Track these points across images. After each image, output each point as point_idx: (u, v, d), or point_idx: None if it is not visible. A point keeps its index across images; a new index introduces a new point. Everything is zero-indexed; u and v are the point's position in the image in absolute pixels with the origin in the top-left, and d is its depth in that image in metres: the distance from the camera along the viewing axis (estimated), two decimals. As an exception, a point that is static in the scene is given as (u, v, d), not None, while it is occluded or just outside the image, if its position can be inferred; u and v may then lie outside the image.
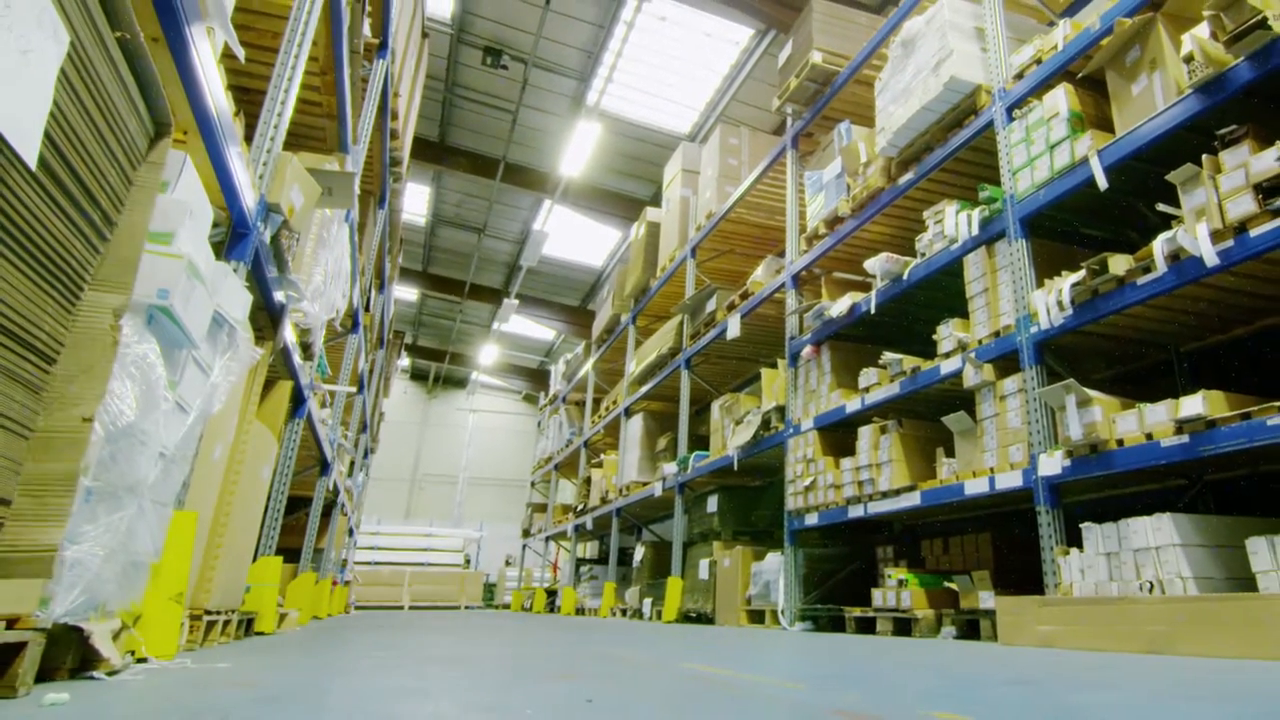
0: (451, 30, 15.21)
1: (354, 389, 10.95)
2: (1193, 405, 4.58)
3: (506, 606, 26.20)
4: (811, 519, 8.56)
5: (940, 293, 7.60)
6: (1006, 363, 6.24)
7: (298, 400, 7.00)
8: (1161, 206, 5.14)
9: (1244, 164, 4.48)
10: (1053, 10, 8.31)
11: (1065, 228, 6.62)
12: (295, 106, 4.92)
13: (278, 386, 6.22)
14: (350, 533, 18.71)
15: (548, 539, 23.32)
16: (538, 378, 35.05)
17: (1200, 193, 4.75)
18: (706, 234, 12.96)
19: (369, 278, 11.00)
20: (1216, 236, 4.58)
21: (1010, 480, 5.93)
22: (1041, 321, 5.77)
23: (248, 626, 5.94)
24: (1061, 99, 5.96)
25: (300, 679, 2.90)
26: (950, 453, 7.01)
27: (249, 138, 4.52)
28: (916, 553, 8.77)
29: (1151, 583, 4.66)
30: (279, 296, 5.19)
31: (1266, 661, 3.65)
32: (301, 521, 10.01)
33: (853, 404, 8.11)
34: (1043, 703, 2.33)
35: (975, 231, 6.70)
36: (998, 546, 7.62)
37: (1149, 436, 4.89)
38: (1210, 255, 4.57)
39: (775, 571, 9.15)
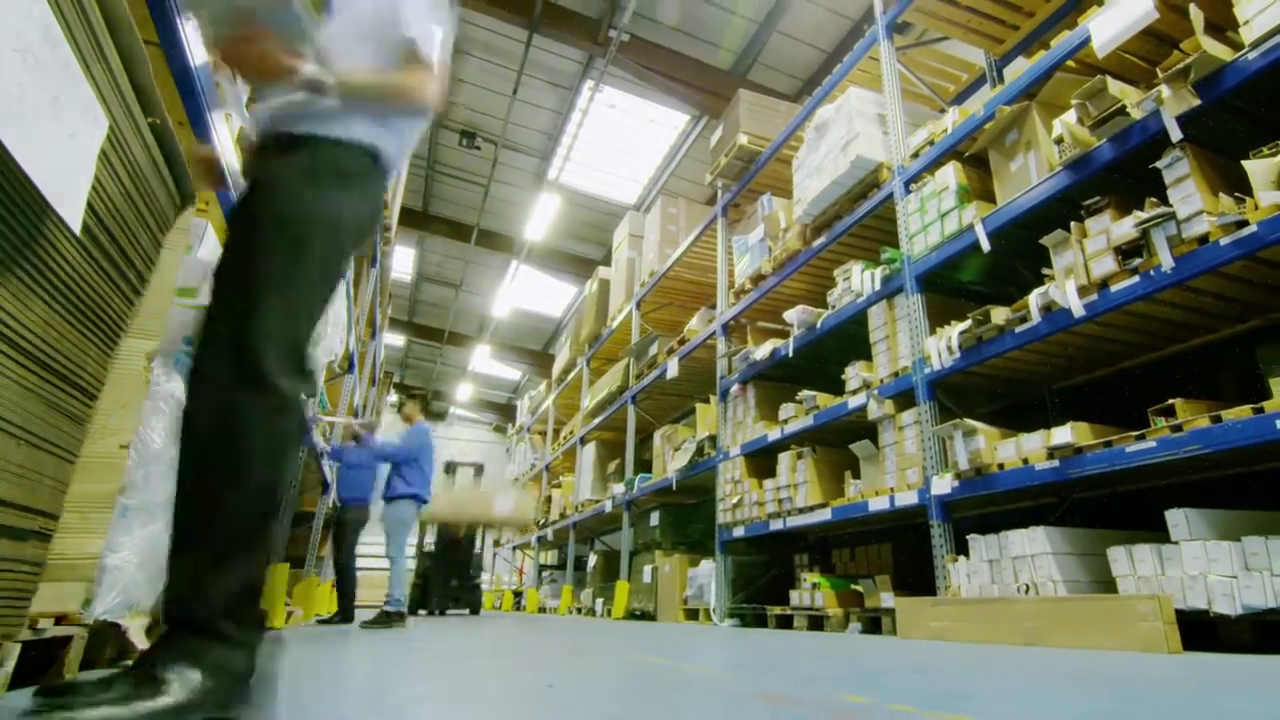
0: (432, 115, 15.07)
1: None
2: (1063, 435, 4.56)
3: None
4: (739, 531, 8.43)
5: (848, 339, 7.55)
6: (904, 399, 6.19)
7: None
8: (1045, 271, 5.12)
9: (1106, 230, 4.47)
10: (943, 99, 8.42)
11: (955, 284, 6.61)
12: (301, 182, 4.83)
13: (285, 418, 6.17)
14: (345, 543, 18.30)
15: (514, 548, 22.99)
16: (506, 411, 34.76)
17: (1069, 254, 4.73)
18: (649, 289, 12.89)
19: (363, 326, 10.85)
20: (1083, 291, 4.57)
21: (908, 499, 5.86)
22: (934, 363, 5.73)
23: (259, 623, 5.92)
24: (951, 175, 5.96)
25: (306, 666, 2.97)
26: (857, 475, 6.94)
27: (262, 206, 4.44)
28: (828, 560, 8.66)
29: (1028, 585, 4.61)
30: (287, 342, 5.13)
31: (1123, 652, 3.66)
32: (306, 533, 9.87)
33: (774, 434, 8.02)
34: (934, 686, 2.32)
35: (878, 287, 6.67)
36: (897, 554, 7.55)
37: (1025, 461, 4.86)
38: (1077, 307, 4.55)
39: (708, 576, 9.04)
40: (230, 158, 3.42)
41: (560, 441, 18.35)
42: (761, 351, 8.49)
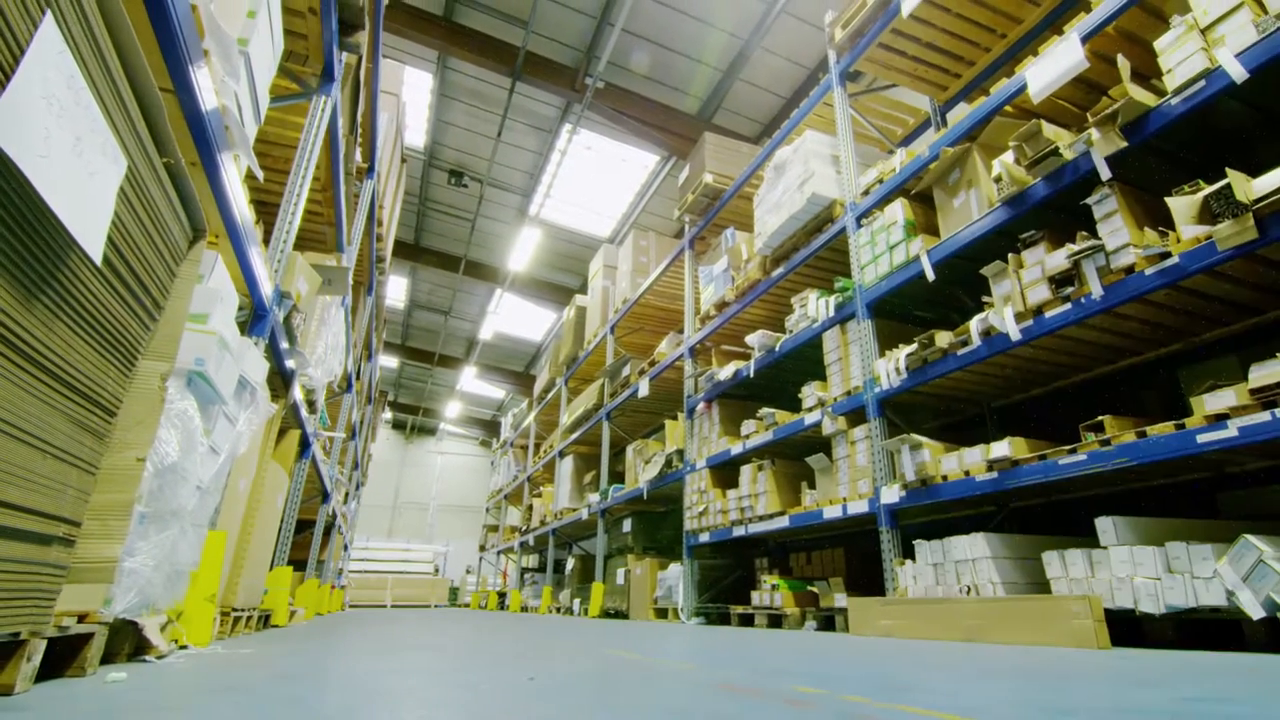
0: (424, 156, 15.10)
1: (348, 436, 10.69)
2: (1001, 449, 4.59)
3: (467, 605, 25.64)
4: (704, 537, 8.39)
5: (805, 361, 7.61)
6: (856, 415, 6.20)
7: (304, 445, 6.96)
8: (985, 299, 5.18)
9: (1040, 261, 4.53)
10: (892, 141, 8.54)
11: (902, 310, 6.67)
12: (302, 216, 4.87)
13: (289, 434, 6.31)
14: (345, 548, 18.37)
15: (499, 553, 22.77)
16: (491, 427, 34.72)
17: (1007, 283, 4.79)
18: (622, 315, 12.89)
19: (360, 349, 10.78)
20: (1019, 317, 4.62)
21: (859, 507, 5.86)
22: (883, 383, 5.75)
23: (265, 621, 5.97)
24: (899, 210, 6.01)
25: (309, 661, 2.98)
26: (812, 485, 6.95)
27: (266, 240, 4.54)
28: (786, 563, 8.64)
29: (969, 587, 4.62)
30: (289, 364, 5.24)
31: (1056, 647, 3.68)
32: (307, 539, 9.95)
33: (736, 448, 8.01)
34: (883, 678, 2.32)
35: (832, 313, 6.70)
36: (850, 558, 7.54)
37: (967, 473, 4.87)
38: (1014, 332, 4.60)
39: (676, 578, 8.98)
40: (238, 193, 3.41)
41: (541, 455, 18.24)
42: (725, 372, 8.50)
